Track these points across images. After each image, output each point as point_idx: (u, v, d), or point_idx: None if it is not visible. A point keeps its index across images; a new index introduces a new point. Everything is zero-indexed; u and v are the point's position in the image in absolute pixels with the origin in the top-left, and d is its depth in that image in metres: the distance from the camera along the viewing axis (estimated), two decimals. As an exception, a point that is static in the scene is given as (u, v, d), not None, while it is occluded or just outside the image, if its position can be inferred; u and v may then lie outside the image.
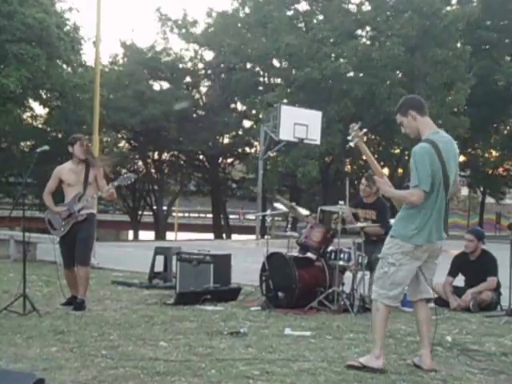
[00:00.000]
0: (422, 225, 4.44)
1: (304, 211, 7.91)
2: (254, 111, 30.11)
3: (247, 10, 32.34)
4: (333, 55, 26.50)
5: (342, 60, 26.25)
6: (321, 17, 31.16)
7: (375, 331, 4.54)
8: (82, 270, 6.77)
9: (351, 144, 4.61)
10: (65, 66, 22.21)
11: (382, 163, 33.95)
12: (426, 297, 4.66)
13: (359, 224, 7.22)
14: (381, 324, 4.52)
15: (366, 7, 30.08)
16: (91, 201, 6.90)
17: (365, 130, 4.64)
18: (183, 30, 34.46)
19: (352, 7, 30.59)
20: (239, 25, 32.13)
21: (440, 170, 4.41)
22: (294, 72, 28.08)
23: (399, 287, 4.52)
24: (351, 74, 28.13)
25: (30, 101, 24.25)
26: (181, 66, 34.71)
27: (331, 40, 27.36)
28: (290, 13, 30.93)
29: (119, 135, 34.19)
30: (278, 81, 31.06)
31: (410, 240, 4.45)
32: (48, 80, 20.84)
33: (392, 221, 5.07)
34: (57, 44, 20.05)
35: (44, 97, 23.26)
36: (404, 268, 4.48)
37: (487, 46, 31.80)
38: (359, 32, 30.34)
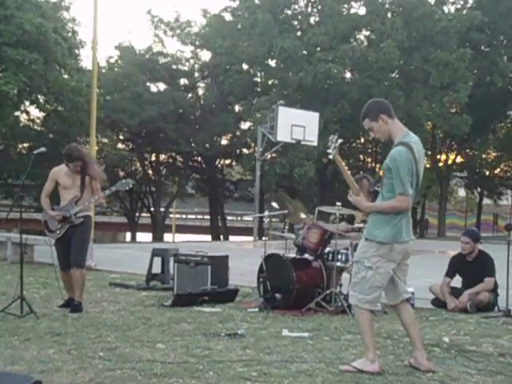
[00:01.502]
0: (397, 226, 4.42)
1: (300, 215, 7.86)
2: (251, 112, 30.08)
3: (240, 12, 32.38)
4: (329, 58, 26.47)
5: (334, 63, 26.22)
6: (315, 18, 31.17)
7: (364, 336, 4.53)
8: (77, 273, 6.75)
9: (330, 157, 4.59)
10: (62, 70, 22.21)
11: (379, 164, 34.07)
12: (406, 297, 4.64)
13: (356, 225, 7.23)
14: (368, 327, 4.50)
15: (361, 11, 30.21)
16: (88, 204, 6.90)
17: (340, 140, 4.60)
18: (178, 31, 34.45)
19: (347, 10, 30.63)
20: (232, 26, 32.17)
21: (414, 172, 4.42)
22: (289, 74, 28.10)
23: (378, 290, 4.50)
24: (348, 74, 28.14)
25: (27, 103, 24.23)
26: (178, 67, 34.70)
27: (327, 44, 27.34)
28: (285, 13, 30.91)
29: (115, 137, 34.16)
30: (275, 82, 31.03)
31: (387, 241, 4.41)
32: (45, 84, 20.83)
33: None
34: (54, 49, 20.03)
35: (41, 100, 23.24)
36: (381, 271, 4.45)
37: (483, 47, 31.82)
38: (355, 34, 30.34)
